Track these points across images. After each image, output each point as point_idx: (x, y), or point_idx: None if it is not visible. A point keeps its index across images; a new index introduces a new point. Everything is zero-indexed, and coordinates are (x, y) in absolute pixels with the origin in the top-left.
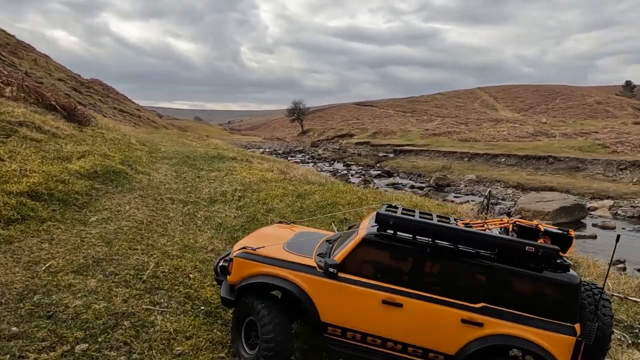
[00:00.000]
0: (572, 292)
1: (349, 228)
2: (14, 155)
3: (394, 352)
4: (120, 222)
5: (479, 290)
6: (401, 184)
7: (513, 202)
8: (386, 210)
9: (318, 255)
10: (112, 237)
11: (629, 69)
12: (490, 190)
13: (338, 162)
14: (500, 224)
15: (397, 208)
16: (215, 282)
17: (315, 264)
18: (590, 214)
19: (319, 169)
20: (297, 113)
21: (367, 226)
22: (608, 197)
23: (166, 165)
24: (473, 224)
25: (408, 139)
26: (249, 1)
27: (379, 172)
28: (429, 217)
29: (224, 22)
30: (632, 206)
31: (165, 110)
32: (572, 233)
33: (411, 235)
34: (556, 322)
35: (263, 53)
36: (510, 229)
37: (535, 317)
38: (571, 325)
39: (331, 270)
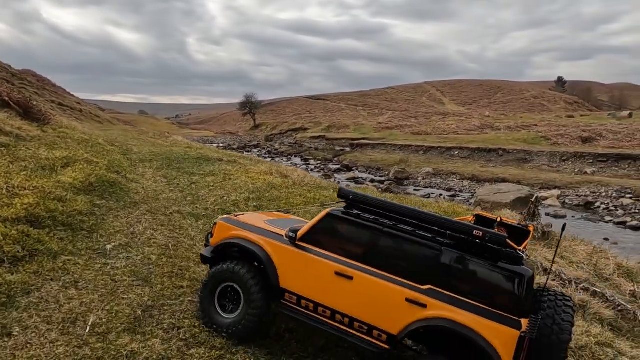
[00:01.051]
0: (521, 285)
1: None
2: None
3: (341, 326)
4: (142, 248)
5: (428, 273)
6: (361, 178)
7: (470, 194)
8: None
9: (290, 229)
10: (145, 271)
11: (560, 66)
12: (536, 196)
13: (295, 156)
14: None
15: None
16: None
17: (283, 235)
18: (542, 204)
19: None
20: (249, 107)
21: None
22: (555, 187)
23: (149, 169)
24: None
25: (362, 132)
26: None
27: (337, 166)
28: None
29: (168, 11)
30: (577, 195)
31: (108, 103)
32: (531, 228)
33: (372, 216)
34: (501, 313)
35: (211, 45)
36: (471, 219)
37: (481, 305)
38: (517, 319)
39: (291, 234)
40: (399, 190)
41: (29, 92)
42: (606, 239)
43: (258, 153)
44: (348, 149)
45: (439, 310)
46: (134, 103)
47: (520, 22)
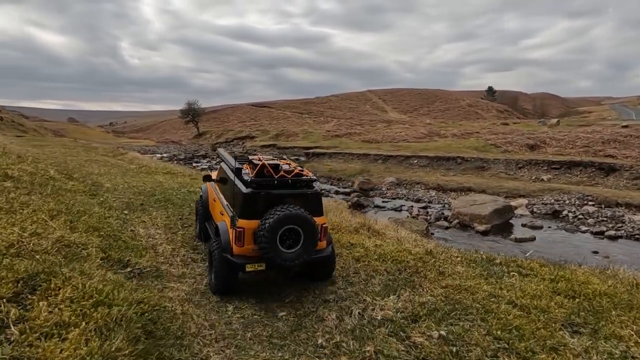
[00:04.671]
0: (241, 197)
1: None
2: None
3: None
4: None
5: (228, 193)
6: (324, 189)
7: (441, 205)
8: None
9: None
10: None
11: (486, 77)
12: None
13: None
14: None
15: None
16: None
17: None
18: (515, 214)
19: None
20: (192, 114)
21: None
22: (520, 196)
23: (156, 231)
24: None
25: (312, 140)
26: None
27: None
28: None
29: (97, 13)
30: (543, 204)
31: (31, 110)
32: (286, 162)
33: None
34: (232, 211)
35: (146, 50)
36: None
37: (229, 207)
38: (236, 215)
39: (206, 175)
40: (368, 202)
41: None
42: (595, 252)
43: (208, 164)
44: (303, 158)
45: (224, 214)
46: (60, 110)
47: (450, 35)
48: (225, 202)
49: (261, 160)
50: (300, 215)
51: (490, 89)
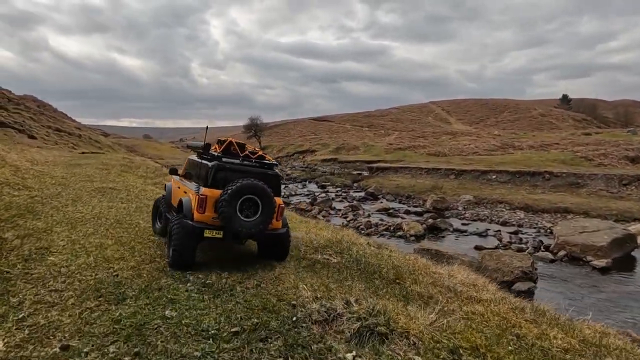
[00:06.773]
0: (208, 169)
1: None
2: None
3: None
4: None
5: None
6: (393, 208)
7: (536, 230)
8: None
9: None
10: None
11: (559, 84)
12: None
13: (310, 182)
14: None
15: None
16: None
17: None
18: (637, 244)
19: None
20: (254, 129)
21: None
22: (635, 219)
23: None
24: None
25: (373, 154)
26: (197, 16)
27: (360, 193)
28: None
29: (171, 37)
30: None
31: (112, 128)
32: (252, 147)
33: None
34: (198, 185)
35: (214, 69)
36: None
37: (194, 183)
38: (203, 187)
39: (173, 168)
40: (445, 224)
41: (23, 117)
42: None
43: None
44: (366, 173)
45: (187, 192)
46: (139, 127)
47: (518, 42)
48: (189, 184)
49: (228, 139)
50: (259, 186)
51: (565, 96)
